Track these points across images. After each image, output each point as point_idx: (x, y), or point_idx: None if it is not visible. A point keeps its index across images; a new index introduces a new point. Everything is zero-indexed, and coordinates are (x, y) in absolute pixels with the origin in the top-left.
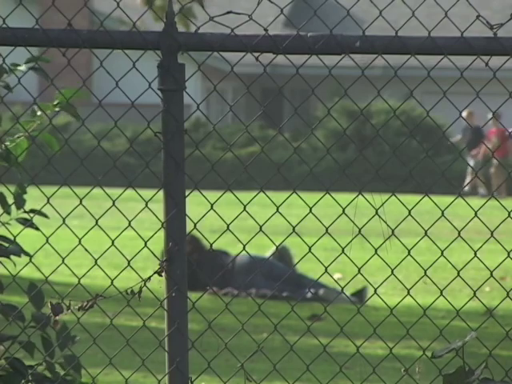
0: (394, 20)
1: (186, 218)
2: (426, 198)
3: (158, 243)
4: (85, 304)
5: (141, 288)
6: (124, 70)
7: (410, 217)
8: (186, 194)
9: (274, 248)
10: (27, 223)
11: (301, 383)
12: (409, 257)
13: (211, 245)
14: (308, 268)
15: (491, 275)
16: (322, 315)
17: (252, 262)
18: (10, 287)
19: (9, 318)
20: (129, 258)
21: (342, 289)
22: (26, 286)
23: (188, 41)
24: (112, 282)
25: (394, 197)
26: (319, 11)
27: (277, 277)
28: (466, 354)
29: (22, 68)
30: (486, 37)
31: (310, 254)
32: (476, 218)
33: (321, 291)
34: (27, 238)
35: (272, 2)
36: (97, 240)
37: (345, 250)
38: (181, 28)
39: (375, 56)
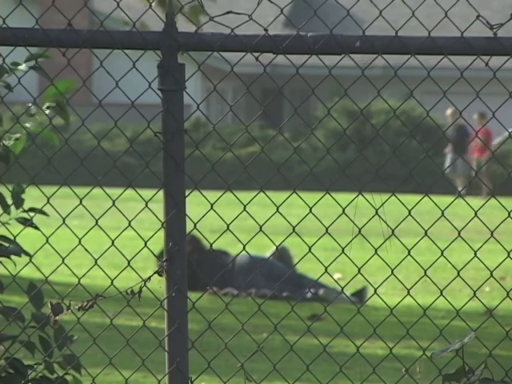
0: (393, 20)
1: (186, 217)
2: (426, 198)
3: (158, 243)
4: (85, 304)
5: (141, 288)
6: (124, 70)
7: (410, 217)
8: (186, 194)
9: (274, 248)
10: (27, 223)
11: (301, 383)
12: (409, 257)
13: (211, 245)
14: (308, 268)
15: (491, 275)
16: (321, 315)
17: (252, 262)
18: (10, 287)
19: (9, 319)
20: (129, 258)
21: (342, 289)
22: (25, 286)
23: (188, 41)
24: (112, 282)
25: (394, 197)
26: (319, 11)
27: (277, 277)
28: (466, 354)
29: (23, 67)
30: (486, 37)
31: (310, 253)
32: (476, 218)
33: (321, 291)
34: (27, 238)
35: (272, 2)
36: (97, 240)
37: (345, 250)
38: (187, 26)
39: (375, 56)
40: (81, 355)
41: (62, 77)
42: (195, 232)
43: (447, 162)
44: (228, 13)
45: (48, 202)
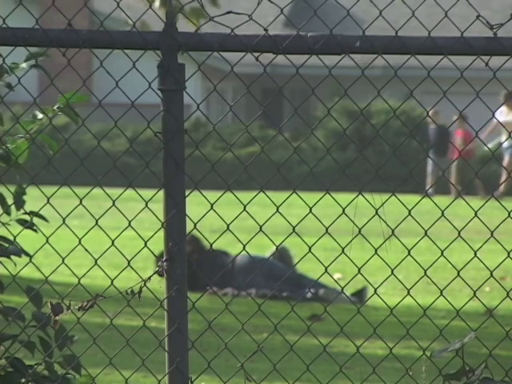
0: (394, 20)
1: (186, 217)
2: (426, 198)
3: (158, 243)
4: (85, 304)
5: (141, 288)
6: (124, 70)
7: (410, 217)
8: (186, 194)
9: (274, 248)
10: (26, 224)
11: (301, 383)
12: (409, 257)
13: (211, 245)
14: (308, 268)
15: (491, 275)
16: (322, 315)
17: (252, 262)
18: (9, 287)
19: (8, 319)
20: (129, 258)
21: (342, 289)
22: (26, 286)
23: (188, 41)
24: (112, 282)
25: (393, 197)
26: (319, 11)
27: (277, 277)
28: (466, 354)
29: (23, 66)
30: (486, 37)
31: (310, 253)
32: (476, 218)
33: (321, 291)
34: (27, 238)
35: (272, 2)
36: (97, 240)
37: (345, 250)
38: (187, 26)
39: (375, 56)
40: (81, 355)
41: (62, 77)
42: (195, 232)
43: (429, 163)
44: (228, 13)
45: (48, 202)
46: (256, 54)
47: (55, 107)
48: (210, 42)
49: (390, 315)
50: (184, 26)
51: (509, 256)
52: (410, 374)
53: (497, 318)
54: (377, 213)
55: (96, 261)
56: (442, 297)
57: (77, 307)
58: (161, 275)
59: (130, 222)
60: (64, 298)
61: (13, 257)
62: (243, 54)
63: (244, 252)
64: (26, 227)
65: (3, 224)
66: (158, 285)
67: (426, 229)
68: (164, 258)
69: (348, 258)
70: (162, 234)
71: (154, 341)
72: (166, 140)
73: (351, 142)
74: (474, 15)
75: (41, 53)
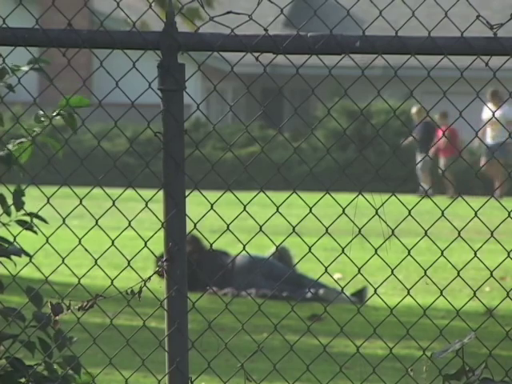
0: (394, 20)
1: (186, 217)
2: (426, 198)
3: (158, 243)
4: (85, 304)
5: (141, 288)
6: (124, 70)
7: (410, 217)
8: (186, 194)
9: (274, 248)
10: (26, 225)
11: (301, 383)
12: (409, 257)
13: (211, 245)
14: (308, 268)
15: (491, 275)
16: (322, 315)
17: (252, 262)
18: (9, 287)
19: (8, 319)
20: (129, 258)
21: (342, 289)
22: (26, 286)
23: (188, 41)
24: (112, 282)
25: (394, 197)
26: (319, 11)
27: (277, 277)
28: (466, 354)
29: (24, 68)
30: (486, 37)
31: (310, 253)
32: (476, 218)
33: (321, 291)
34: (27, 238)
35: (272, 2)
36: (97, 240)
37: (345, 250)
38: (187, 26)
39: (375, 56)
40: (81, 355)
41: (62, 77)
42: (195, 232)
43: (417, 160)
44: (228, 13)
45: (48, 202)
46: (256, 54)
47: (55, 113)
48: (210, 42)
49: (390, 315)
50: (183, 25)
51: (509, 256)
52: (411, 374)
53: (497, 318)
54: (377, 213)
55: (96, 261)
56: (442, 297)
57: (77, 307)
58: (161, 275)
59: (129, 222)
60: (64, 298)
61: (13, 257)
62: (243, 53)
63: (244, 252)
64: (26, 228)
65: (3, 224)
66: (158, 285)
67: (426, 229)
68: (164, 258)
69: (348, 258)
70: (162, 234)
71: (154, 341)
72: (166, 140)
73: (351, 142)
74: (473, 15)
75: (41, 59)
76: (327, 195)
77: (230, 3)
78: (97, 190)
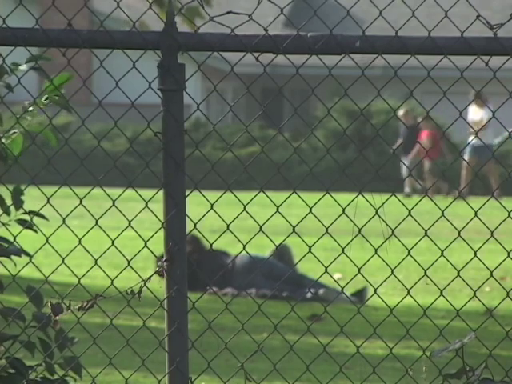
0: (394, 20)
1: (186, 218)
2: (426, 198)
3: (158, 243)
4: (85, 304)
5: (141, 288)
6: (124, 70)
7: (410, 217)
8: (186, 194)
9: (274, 248)
10: (26, 224)
11: (301, 383)
12: (409, 257)
13: (211, 245)
14: (308, 268)
15: (491, 275)
16: (322, 315)
17: (252, 262)
18: (9, 287)
19: (8, 319)
20: (129, 258)
21: (342, 289)
22: (26, 286)
23: (188, 41)
24: (112, 282)
25: (393, 197)
26: (319, 11)
27: (277, 277)
28: (466, 354)
29: (23, 67)
30: (486, 37)
31: (310, 253)
32: (476, 218)
33: (321, 291)
34: (27, 238)
35: (272, 2)
36: (97, 240)
37: (345, 250)
38: (187, 26)
39: (375, 56)
40: (81, 355)
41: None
42: (195, 232)
43: (405, 163)
44: (228, 13)
45: (48, 202)
46: (256, 54)
47: (44, 98)
48: (210, 42)
49: (390, 315)
50: (183, 25)
51: (509, 256)
52: (410, 374)
53: (497, 318)
54: (377, 213)
55: (96, 261)
56: (441, 297)
57: (77, 307)
58: (161, 275)
59: (129, 222)
60: (64, 298)
61: (13, 257)
62: (243, 53)
63: (244, 252)
64: (26, 227)
65: (3, 224)
66: (158, 285)
67: (426, 229)
68: (164, 258)
69: (348, 258)
70: (162, 234)
71: (154, 341)
72: (166, 140)
73: (351, 142)
74: (473, 15)
75: (41, 56)
76: (327, 195)
77: (229, 3)
78: (97, 190)
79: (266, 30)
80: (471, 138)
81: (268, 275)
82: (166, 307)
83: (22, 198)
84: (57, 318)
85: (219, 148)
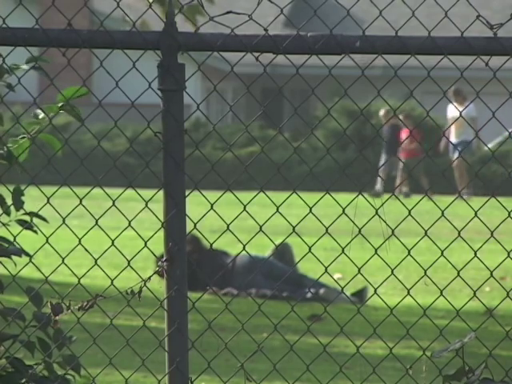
0: (394, 20)
1: (186, 217)
2: (426, 198)
3: (158, 243)
4: (85, 304)
5: (141, 288)
6: (124, 70)
7: (410, 217)
8: (186, 194)
9: (274, 247)
10: (26, 225)
11: (301, 383)
12: (409, 257)
13: (211, 245)
14: (308, 268)
15: (491, 275)
16: (322, 315)
17: (252, 262)
18: (9, 287)
19: (8, 319)
20: (129, 258)
21: (342, 289)
22: (26, 286)
23: (188, 41)
24: (112, 282)
25: (393, 197)
26: (319, 11)
27: (277, 277)
28: (466, 354)
29: (24, 67)
30: (486, 37)
31: (310, 253)
32: (476, 218)
33: (321, 291)
34: (27, 238)
35: (272, 2)
36: (97, 240)
37: (345, 250)
38: (187, 26)
39: (375, 56)
40: (81, 355)
41: (62, 77)
42: (195, 232)
43: (381, 162)
44: (228, 13)
45: (48, 202)
46: (256, 54)
47: (58, 105)
48: (210, 42)
49: (390, 315)
50: (183, 25)
51: (509, 256)
52: (410, 373)
53: (497, 318)
54: (377, 213)
55: (96, 261)
56: (441, 297)
57: (77, 307)
58: (161, 275)
59: (129, 222)
60: (64, 298)
61: (13, 257)
62: (243, 53)
63: (244, 252)
64: (26, 228)
65: (3, 224)
66: (158, 285)
67: (426, 229)
68: (164, 258)
69: (348, 258)
70: (162, 234)
71: (154, 341)
72: (166, 140)
73: (351, 142)
74: (474, 15)
75: (40, 58)
76: (327, 195)
77: (229, 3)
78: (97, 190)
79: (266, 29)
80: (452, 136)
81: (268, 275)
82: (165, 307)
83: (23, 198)
84: (57, 317)
85: (219, 148)
